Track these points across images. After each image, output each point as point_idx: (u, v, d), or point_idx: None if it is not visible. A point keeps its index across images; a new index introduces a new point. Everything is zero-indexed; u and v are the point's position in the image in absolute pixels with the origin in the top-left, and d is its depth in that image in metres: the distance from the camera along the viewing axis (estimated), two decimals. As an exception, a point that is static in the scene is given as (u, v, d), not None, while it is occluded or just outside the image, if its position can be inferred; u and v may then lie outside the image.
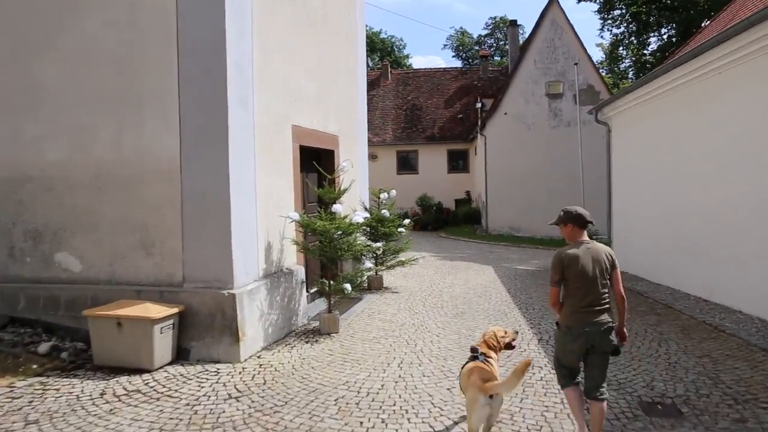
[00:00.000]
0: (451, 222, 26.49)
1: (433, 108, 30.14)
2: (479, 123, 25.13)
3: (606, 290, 3.89)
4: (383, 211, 10.26)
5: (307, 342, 6.94)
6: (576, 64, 22.09)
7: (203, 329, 6.22)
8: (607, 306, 3.89)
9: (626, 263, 13.15)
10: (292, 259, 7.91)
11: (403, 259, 10.45)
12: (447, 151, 29.09)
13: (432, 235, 23.56)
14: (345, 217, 7.84)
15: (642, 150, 12.48)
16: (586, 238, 3.99)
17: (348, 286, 7.32)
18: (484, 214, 24.83)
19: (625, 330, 3.99)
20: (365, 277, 7.77)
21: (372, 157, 28.70)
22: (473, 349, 4.15)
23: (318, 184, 9.30)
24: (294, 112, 8.20)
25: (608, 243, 14.18)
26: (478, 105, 25.81)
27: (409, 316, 8.39)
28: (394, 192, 10.58)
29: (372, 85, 31.21)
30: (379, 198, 10.46)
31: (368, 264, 8.00)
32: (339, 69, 10.35)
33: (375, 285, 10.32)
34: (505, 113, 23.75)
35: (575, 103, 23.02)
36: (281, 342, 6.93)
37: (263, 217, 7.06)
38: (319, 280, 7.86)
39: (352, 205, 10.42)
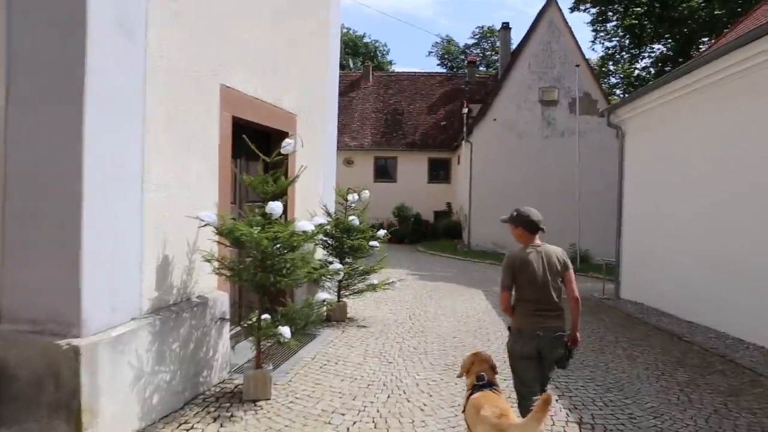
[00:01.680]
0: (429, 235, 23.94)
1: (415, 114, 27.70)
2: (465, 129, 22.73)
3: (558, 294, 3.74)
4: (351, 218, 7.66)
5: (215, 419, 4.28)
6: (578, 66, 19.84)
7: (22, 406, 3.53)
8: (560, 311, 3.73)
9: (642, 292, 10.75)
10: (209, 283, 5.25)
11: (376, 282, 7.84)
12: (428, 160, 26.62)
13: (409, 249, 20.98)
14: (290, 222, 5.23)
15: (666, 156, 10.13)
16: (537, 241, 3.82)
17: (286, 332, 4.67)
18: (466, 227, 22.37)
19: (578, 335, 3.79)
20: (321, 311, 5.19)
21: (348, 162, 26.21)
22: (480, 377, 3.51)
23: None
24: (227, 69, 5.58)
25: (617, 266, 11.77)
26: (465, 110, 23.43)
27: (379, 367, 5.78)
28: (367, 193, 7.99)
29: (352, 86, 28.72)
30: (346, 201, 7.86)
31: (325, 295, 5.40)
32: (303, 32, 7.76)
33: (336, 315, 7.68)
34: (495, 119, 21.41)
35: (570, 112, 20.79)
36: (175, 419, 4.25)
37: (158, 218, 4.42)
38: (251, 315, 5.25)
39: (311, 209, 7.81)
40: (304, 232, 4.82)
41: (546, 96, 21.15)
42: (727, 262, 7.96)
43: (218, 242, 5.04)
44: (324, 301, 5.36)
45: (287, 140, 6.89)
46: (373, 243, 7.65)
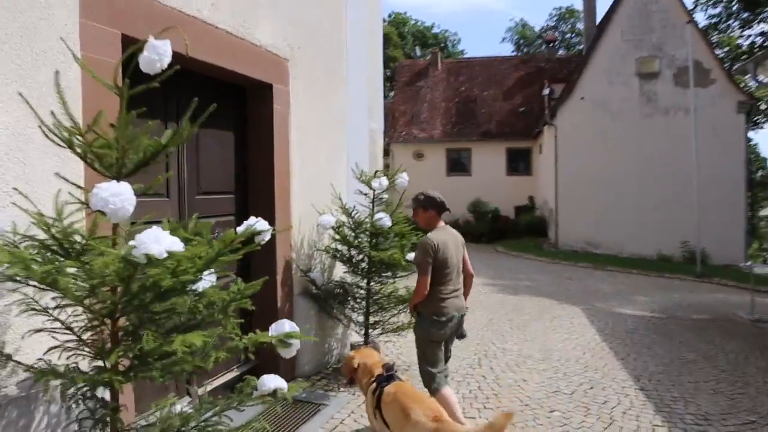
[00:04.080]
0: (510, 233, 20.43)
1: (489, 100, 24.27)
2: (547, 112, 19.13)
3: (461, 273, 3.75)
4: (379, 216, 4.71)
5: None
6: (689, 22, 15.77)
7: None
8: (463, 290, 3.78)
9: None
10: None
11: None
12: (506, 150, 23.10)
13: (486, 249, 17.66)
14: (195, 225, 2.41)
15: None
16: (442, 222, 3.76)
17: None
18: (552, 224, 18.76)
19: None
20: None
21: (418, 155, 23.30)
22: (389, 367, 3.27)
23: (242, 149, 4.04)
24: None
25: (747, 277, 8.08)
26: (546, 91, 19.83)
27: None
28: (404, 177, 5.01)
29: (419, 75, 25.76)
30: (370, 188, 4.94)
31: (274, 383, 2.57)
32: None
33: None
34: (582, 98, 17.67)
35: (676, 84, 16.74)
36: None
37: None
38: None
39: (321, 203, 5.00)
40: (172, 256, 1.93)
41: (644, 67, 17.17)
42: None
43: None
44: (269, 395, 2.47)
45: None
46: (411, 256, 4.66)
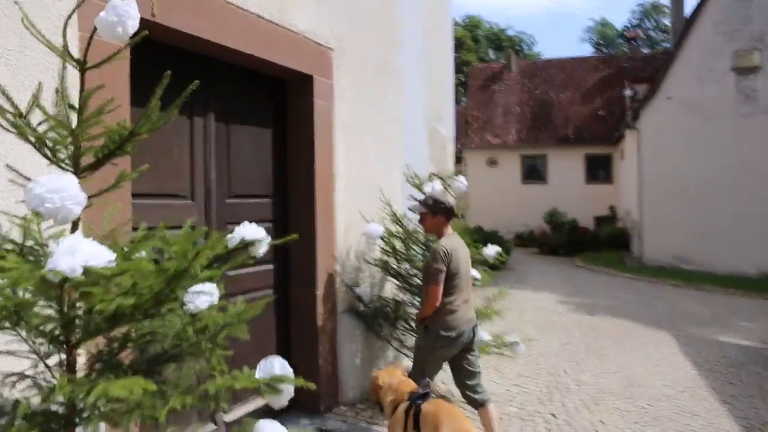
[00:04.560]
0: (589, 245, 19.04)
1: (566, 104, 22.97)
2: (629, 114, 17.73)
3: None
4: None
5: None
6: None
7: None
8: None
9: None
10: None
11: (484, 338, 4.19)
12: (584, 156, 21.72)
13: (564, 263, 16.50)
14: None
15: None
16: (450, 230, 3.50)
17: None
18: (635, 237, 17.29)
19: None
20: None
21: (491, 162, 22.42)
22: (425, 384, 3.06)
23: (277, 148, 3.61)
24: None
25: None
26: (628, 91, 18.43)
27: None
28: (462, 181, 4.36)
29: (492, 78, 24.83)
30: (423, 192, 4.33)
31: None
32: None
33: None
34: (669, 98, 16.19)
35: (782, 80, 14.97)
36: None
37: None
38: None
39: (371, 210, 4.47)
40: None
41: (742, 61, 15.47)
42: None
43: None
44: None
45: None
46: (473, 272, 4.01)
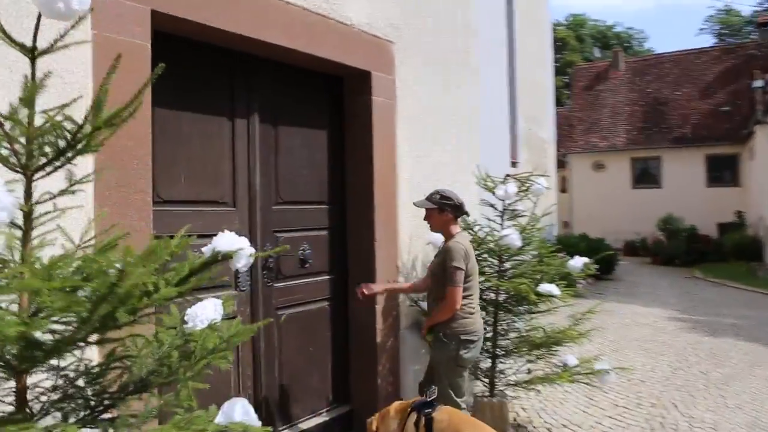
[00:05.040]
0: (712, 255, 17.01)
1: (683, 101, 20.86)
2: (759, 109, 15.67)
3: None
4: (506, 233, 3.56)
5: None
6: None
7: None
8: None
9: None
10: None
11: (569, 362, 3.60)
12: (705, 157, 19.56)
13: (680, 275, 14.81)
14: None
15: None
16: (458, 228, 3.24)
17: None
18: (769, 245, 15.21)
19: None
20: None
21: (597, 166, 20.98)
22: (432, 392, 2.76)
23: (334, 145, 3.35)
24: None
25: None
26: (757, 83, 16.30)
27: None
28: (541, 183, 3.78)
29: (598, 78, 23.26)
30: (494, 194, 3.81)
31: None
32: None
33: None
34: (810, 88, 14.10)
35: None
36: None
37: None
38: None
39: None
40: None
41: None
42: None
43: None
44: None
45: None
46: (546, 288, 3.43)
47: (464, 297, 3.08)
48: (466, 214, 3.29)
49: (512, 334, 3.93)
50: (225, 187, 3.08)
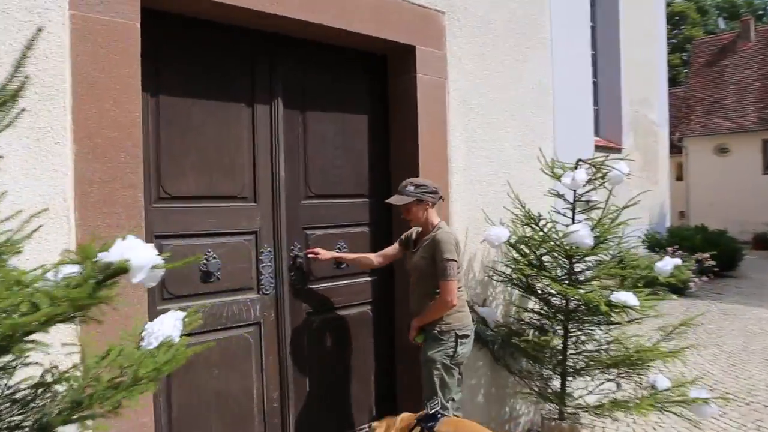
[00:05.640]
0: None
1: (828, 72, 17.97)
2: None
3: None
4: (574, 227, 2.96)
5: None
6: None
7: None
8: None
9: None
10: None
11: (656, 385, 2.92)
12: None
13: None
14: None
15: None
16: (437, 217, 2.90)
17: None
18: None
19: None
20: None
21: (720, 150, 18.75)
22: (434, 404, 2.65)
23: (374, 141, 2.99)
24: None
25: None
26: None
27: None
28: (621, 168, 3.09)
29: (722, 53, 20.69)
30: (560, 180, 3.19)
31: None
32: None
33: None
34: None
35: None
36: None
37: None
38: None
39: (493, 205, 3.52)
40: None
41: None
42: None
43: None
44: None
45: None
46: (621, 297, 2.75)
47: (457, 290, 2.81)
48: (441, 198, 2.95)
49: (588, 346, 3.30)
50: (244, 180, 2.78)
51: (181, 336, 1.71)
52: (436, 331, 2.77)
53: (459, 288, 2.81)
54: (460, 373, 2.92)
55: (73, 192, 2.07)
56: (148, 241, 2.46)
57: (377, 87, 3.36)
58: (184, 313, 1.78)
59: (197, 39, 2.62)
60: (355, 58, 3.23)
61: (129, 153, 2.18)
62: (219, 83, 2.70)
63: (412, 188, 2.81)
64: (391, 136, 3.39)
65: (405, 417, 2.65)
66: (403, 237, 3.03)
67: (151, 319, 2.47)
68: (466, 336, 2.82)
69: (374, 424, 2.72)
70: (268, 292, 2.85)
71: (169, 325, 1.71)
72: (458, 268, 2.80)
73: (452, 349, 2.77)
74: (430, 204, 2.84)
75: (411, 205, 2.82)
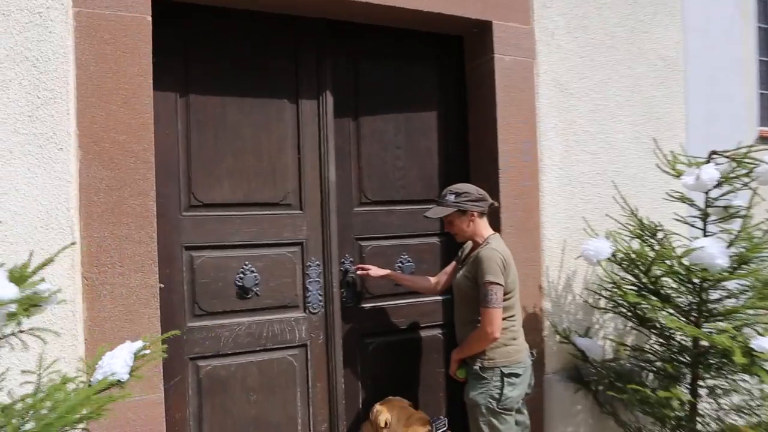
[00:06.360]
0: None
1: None
2: None
3: None
4: (700, 243, 2.18)
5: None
6: None
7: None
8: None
9: None
10: None
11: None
12: None
13: None
14: None
15: None
16: (489, 228, 2.41)
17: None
18: None
19: None
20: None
21: None
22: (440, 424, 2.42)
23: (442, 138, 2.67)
24: None
25: None
26: None
27: None
28: (766, 163, 2.26)
29: None
30: (679, 176, 2.39)
31: None
32: None
33: None
34: None
35: None
36: None
37: None
38: None
39: (599, 212, 2.84)
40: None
41: None
42: None
43: None
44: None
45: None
46: (763, 345, 1.92)
47: (505, 318, 2.26)
48: (493, 205, 2.41)
49: (734, 399, 2.49)
50: (287, 185, 2.48)
51: (130, 373, 1.44)
52: (477, 368, 2.27)
53: (511, 316, 2.29)
54: (518, 421, 2.35)
55: (77, 201, 1.92)
56: (176, 253, 2.28)
57: (450, 76, 2.87)
58: (142, 344, 1.50)
59: (229, 31, 2.38)
60: (420, 43, 2.78)
61: (139, 158, 1.99)
62: (256, 79, 2.43)
63: (452, 197, 2.34)
64: (470, 132, 2.88)
65: (414, 414, 2.46)
66: (460, 251, 2.52)
67: (182, 337, 2.28)
68: (515, 375, 2.27)
69: (377, 407, 2.45)
70: (315, 310, 2.52)
71: (119, 360, 1.44)
72: (510, 291, 2.28)
73: (498, 391, 2.24)
74: (476, 214, 2.34)
75: (453, 217, 2.34)
